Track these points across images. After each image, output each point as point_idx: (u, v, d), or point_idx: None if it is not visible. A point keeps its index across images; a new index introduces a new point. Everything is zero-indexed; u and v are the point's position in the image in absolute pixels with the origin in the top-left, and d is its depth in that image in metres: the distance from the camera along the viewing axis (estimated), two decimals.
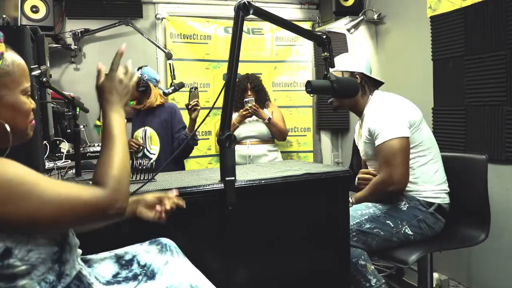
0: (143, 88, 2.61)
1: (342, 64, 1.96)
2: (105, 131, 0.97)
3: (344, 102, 1.97)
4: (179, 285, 1.05)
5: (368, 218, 1.78)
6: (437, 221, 1.81)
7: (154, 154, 2.65)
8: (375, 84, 1.99)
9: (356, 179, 1.98)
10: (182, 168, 2.79)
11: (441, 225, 1.84)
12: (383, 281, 1.76)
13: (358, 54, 2.01)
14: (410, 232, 1.78)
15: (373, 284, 1.72)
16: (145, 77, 2.60)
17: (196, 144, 2.69)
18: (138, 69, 2.63)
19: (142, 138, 2.68)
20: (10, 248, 0.78)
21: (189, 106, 2.40)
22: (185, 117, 2.74)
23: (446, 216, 1.85)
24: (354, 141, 2.64)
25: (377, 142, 1.80)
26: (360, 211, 1.79)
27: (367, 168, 2.01)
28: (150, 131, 2.66)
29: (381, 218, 1.78)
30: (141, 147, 2.65)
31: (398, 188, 1.76)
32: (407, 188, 1.81)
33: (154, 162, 2.54)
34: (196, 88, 2.46)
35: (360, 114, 1.99)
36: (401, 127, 1.76)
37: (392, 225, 1.77)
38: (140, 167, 1.46)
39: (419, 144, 1.82)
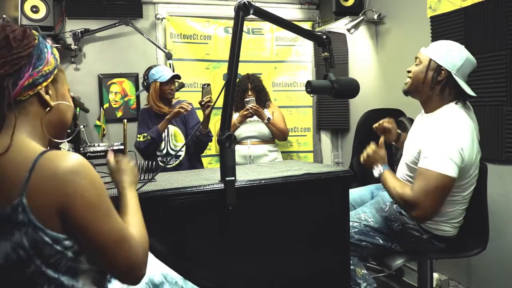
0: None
1: (435, 51, 1.68)
2: (125, 206, 1.02)
3: (422, 90, 1.70)
4: (153, 274, 1.09)
5: (358, 231, 1.76)
6: (433, 246, 1.73)
7: (182, 151, 2.64)
8: (460, 93, 1.66)
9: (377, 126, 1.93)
10: (201, 164, 2.81)
11: (440, 249, 1.73)
12: (375, 285, 1.75)
13: (461, 51, 1.66)
14: (400, 250, 1.76)
15: None
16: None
17: (211, 141, 2.68)
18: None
19: (165, 136, 2.66)
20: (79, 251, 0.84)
21: (202, 103, 2.40)
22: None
23: (448, 242, 1.73)
24: (354, 140, 2.64)
25: (422, 163, 1.58)
26: (351, 222, 1.75)
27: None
28: (173, 128, 2.65)
29: (371, 233, 1.76)
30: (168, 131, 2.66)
31: (418, 218, 1.60)
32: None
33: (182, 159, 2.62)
34: (208, 84, 2.45)
35: (428, 110, 1.74)
36: (453, 165, 1.52)
37: (381, 242, 1.75)
38: (140, 167, 1.46)
39: (458, 186, 1.62)
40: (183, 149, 2.64)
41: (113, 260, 0.85)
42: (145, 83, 2.66)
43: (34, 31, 0.91)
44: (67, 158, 0.80)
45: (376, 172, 1.75)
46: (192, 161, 2.66)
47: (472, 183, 1.66)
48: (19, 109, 0.85)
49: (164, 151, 2.66)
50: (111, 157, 1.14)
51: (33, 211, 0.77)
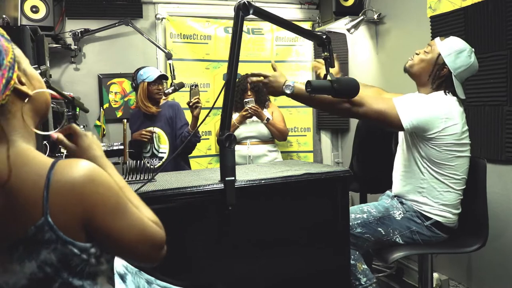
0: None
1: (446, 49, 1.74)
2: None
3: (421, 78, 1.81)
4: (115, 266, 1.07)
5: (360, 223, 1.77)
6: (434, 235, 1.75)
7: (164, 153, 2.68)
8: (452, 90, 1.74)
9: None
10: (188, 164, 2.84)
11: (440, 240, 1.77)
12: (375, 280, 1.77)
13: (469, 56, 1.73)
14: (401, 242, 1.76)
15: (363, 283, 1.73)
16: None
17: (199, 141, 2.72)
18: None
19: (153, 138, 2.70)
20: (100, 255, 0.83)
21: (190, 104, 2.43)
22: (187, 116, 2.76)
23: (450, 232, 1.77)
24: (354, 140, 2.64)
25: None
26: (354, 215, 1.78)
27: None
28: (157, 130, 2.69)
29: (373, 225, 1.77)
30: (153, 134, 2.68)
31: (360, 111, 1.66)
32: (408, 195, 1.78)
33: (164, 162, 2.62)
34: (196, 85, 2.48)
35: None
36: (409, 113, 1.64)
37: (383, 233, 1.76)
38: (140, 167, 1.46)
39: (443, 160, 1.70)
40: (166, 150, 2.68)
41: (140, 250, 0.85)
42: (133, 84, 2.73)
43: None
44: (79, 168, 0.77)
45: (288, 89, 1.67)
46: (178, 161, 2.68)
47: (461, 163, 1.72)
48: (4, 115, 0.78)
49: (150, 153, 2.71)
50: (60, 136, 0.94)
51: (60, 227, 0.75)
